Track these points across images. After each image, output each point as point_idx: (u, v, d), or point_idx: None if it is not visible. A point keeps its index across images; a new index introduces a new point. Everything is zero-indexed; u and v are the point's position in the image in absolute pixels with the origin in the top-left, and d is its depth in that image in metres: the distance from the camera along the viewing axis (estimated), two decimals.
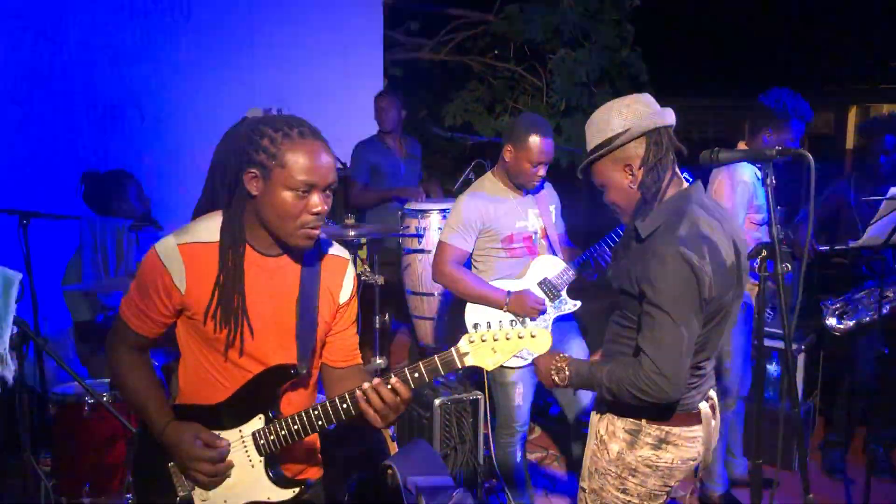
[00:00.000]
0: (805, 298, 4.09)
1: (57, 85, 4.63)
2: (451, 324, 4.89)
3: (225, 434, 1.92)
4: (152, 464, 1.97)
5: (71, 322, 3.75)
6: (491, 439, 3.55)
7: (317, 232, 1.85)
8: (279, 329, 1.92)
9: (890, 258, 3.83)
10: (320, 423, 1.87)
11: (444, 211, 4.72)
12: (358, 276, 4.01)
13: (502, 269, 3.38)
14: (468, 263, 3.45)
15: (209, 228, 1.88)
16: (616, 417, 2.20)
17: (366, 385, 1.79)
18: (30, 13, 4.50)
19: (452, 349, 1.78)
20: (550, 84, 7.01)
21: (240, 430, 1.92)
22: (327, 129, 6.22)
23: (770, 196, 2.13)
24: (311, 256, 1.96)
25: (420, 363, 1.80)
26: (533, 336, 1.78)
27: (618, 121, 2.11)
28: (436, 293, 4.61)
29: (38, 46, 4.57)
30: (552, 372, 2.24)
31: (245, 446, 1.92)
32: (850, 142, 9.36)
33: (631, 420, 2.16)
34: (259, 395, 1.92)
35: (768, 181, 2.14)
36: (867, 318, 3.81)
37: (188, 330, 1.92)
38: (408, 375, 1.79)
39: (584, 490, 2.29)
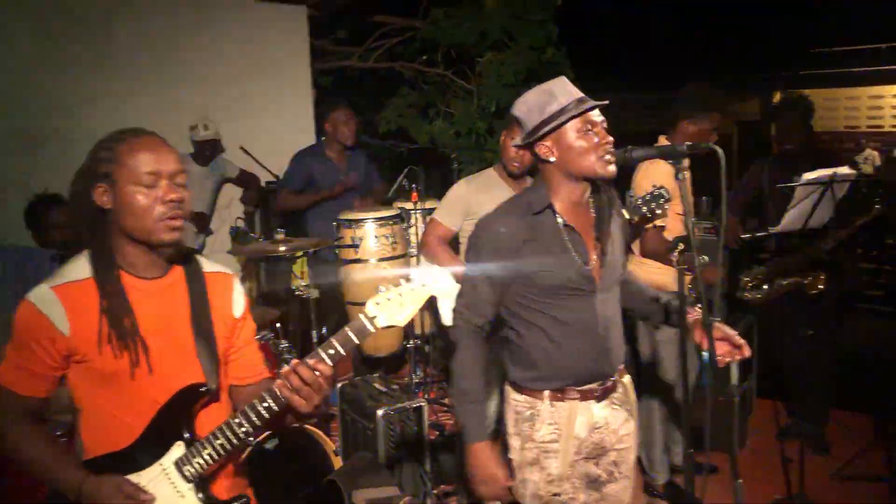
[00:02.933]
0: (734, 286, 4.22)
1: None
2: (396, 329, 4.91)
3: (145, 472, 1.87)
4: None
5: None
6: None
7: (178, 223, 1.84)
8: (179, 350, 1.89)
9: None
10: (243, 430, 1.84)
11: (379, 219, 4.72)
12: (293, 290, 4.03)
13: None
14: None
15: (79, 266, 1.86)
16: None
17: (284, 369, 1.79)
18: None
19: (360, 315, 1.80)
20: (480, 87, 7.07)
21: (160, 464, 1.87)
22: (257, 143, 6.22)
23: (684, 190, 2.19)
24: (194, 276, 1.95)
25: (332, 337, 1.80)
26: (436, 281, 1.82)
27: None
28: None
29: None
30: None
31: (170, 478, 1.88)
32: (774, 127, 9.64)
33: None
34: (172, 422, 1.87)
35: (680, 176, 2.20)
36: (771, 292, 3.99)
37: (82, 377, 1.85)
38: (322, 353, 1.79)
39: None
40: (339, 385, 4.08)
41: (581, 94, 2.20)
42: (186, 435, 1.88)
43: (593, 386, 2.30)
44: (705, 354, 4.28)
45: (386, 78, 7.95)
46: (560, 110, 2.16)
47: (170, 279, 1.92)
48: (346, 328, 1.80)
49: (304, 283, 4.03)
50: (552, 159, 2.19)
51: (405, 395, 3.78)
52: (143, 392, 1.85)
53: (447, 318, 1.78)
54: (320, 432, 3.43)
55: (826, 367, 4.25)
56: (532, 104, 2.21)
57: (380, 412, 3.56)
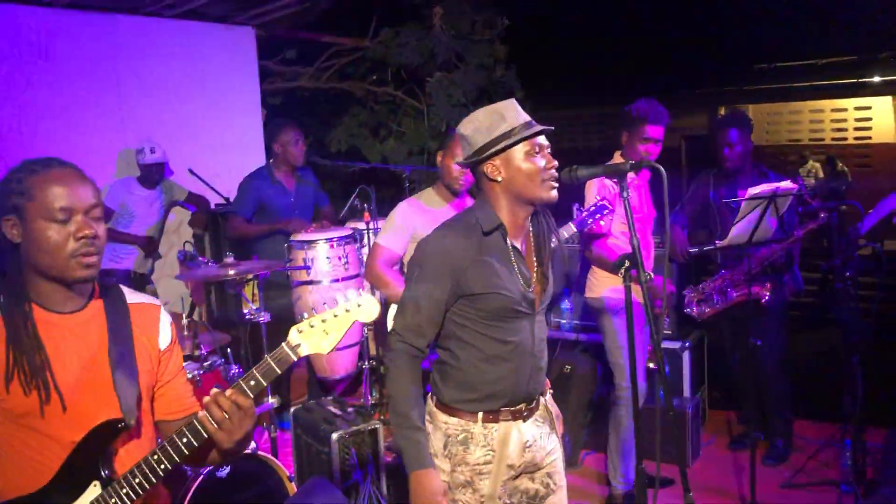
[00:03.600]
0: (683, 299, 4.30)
1: None
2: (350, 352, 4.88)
3: None
4: None
5: None
6: None
7: (93, 259, 1.78)
8: (94, 384, 1.81)
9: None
10: (162, 466, 1.78)
11: (330, 240, 4.70)
12: (244, 314, 3.98)
13: None
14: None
15: None
16: None
17: (205, 399, 1.74)
18: None
19: (283, 344, 1.78)
20: (430, 106, 7.11)
21: None
22: (206, 165, 6.17)
23: (627, 207, 2.23)
24: (114, 308, 1.89)
25: (253, 368, 1.77)
26: (360, 305, 1.82)
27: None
28: None
29: None
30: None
31: None
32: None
33: None
34: (88, 461, 1.79)
35: (624, 194, 2.24)
36: (719, 304, 4.07)
37: None
38: (243, 385, 1.76)
39: None
40: (292, 409, 4.04)
41: (529, 119, 2.23)
42: (104, 474, 1.80)
43: (522, 406, 2.31)
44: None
45: (336, 97, 7.95)
46: (509, 131, 2.18)
47: (88, 313, 1.85)
48: (268, 358, 1.77)
49: (255, 307, 3.97)
50: (500, 178, 2.20)
51: (360, 417, 3.75)
52: (57, 431, 1.77)
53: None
54: (274, 458, 3.38)
55: (777, 376, 4.34)
56: (480, 124, 2.22)
57: (334, 436, 3.52)
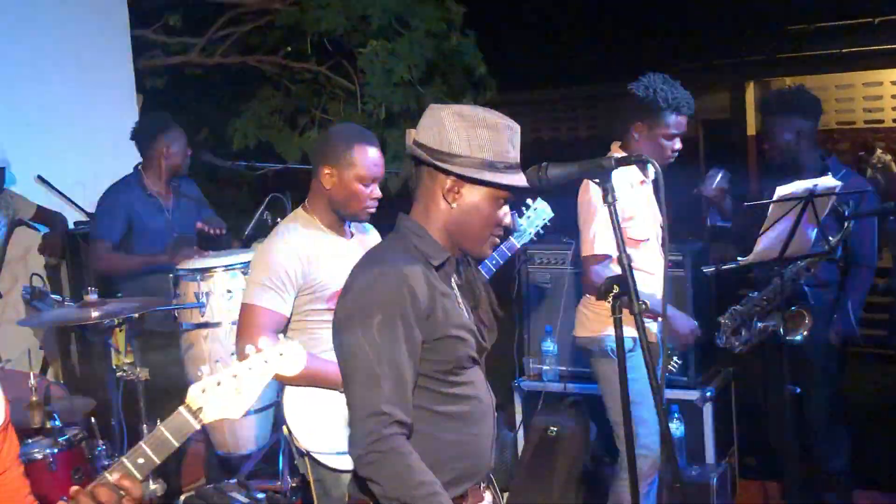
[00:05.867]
0: (703, 333, 4.37)
1: None
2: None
3: None
4: None
5: None
6: None
7: None
8: None
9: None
10: None
11: (232, 267, 4.68)
12: (115, 370, 3.95)
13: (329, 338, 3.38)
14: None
15: None
16: None
17: (73, 489, 1.75)
18: None
19: (181, 408, 1.81)
20: (364, 85, 7.14)
21: None
22: (61, 170, 6.15)
23: (614, 216, 2.29)
24: None
25: (141, 442, 1.79)
26: (281, 355, 1.85)
27: None
28: None
29: None
30: None
31: None
32: (751, 126, 10.04)
33: None
34: None
35: (609, 199, 2.30)
36: (748, 339, 4.12)
37: None
38: (127, 464, 1.77)
39: None
40: (182, 498, 4.01)
41: (518, 159, 2.30)
42: None
43: (484, 486, 2.39)
44: (672, 426, 4.47)
45: (239, 77, 7.95)
46: (500, 164, 2.24)
47: None
48: (161, 427, 1.80)
49: (128, 362, 3.95)
50: (454, 205, 2.27)
51: (283, 497, 3.75)
52: None
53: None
54: None
55: (827, 433, 4.40)
56: (478, 128, 2.24)
57: None
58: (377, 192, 3.35)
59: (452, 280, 2.32)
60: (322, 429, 3.24)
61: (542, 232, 3.81)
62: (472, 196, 2.25)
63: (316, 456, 3.23)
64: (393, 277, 2.18)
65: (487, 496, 2.40)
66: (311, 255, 3.30)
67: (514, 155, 2.28)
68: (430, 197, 2.29)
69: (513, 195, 2.30)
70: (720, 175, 4.42)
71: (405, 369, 2.16)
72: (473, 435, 2.31)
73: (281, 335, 1.89)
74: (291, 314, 3.31)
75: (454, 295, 2.30)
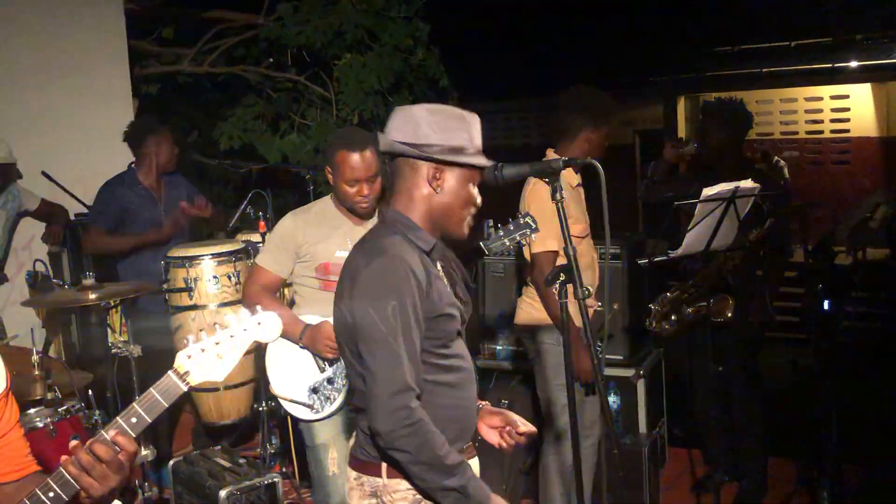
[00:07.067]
0: (637, 317, 4.40)
1: None
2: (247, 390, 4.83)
3: None
4: None
5: None
6: None
7: None
8: None
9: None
10: None
11: (218, 255, 4.65)
12: (110, 348, 3.91)
13: (316, 302, 3.42)
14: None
15: None
16: None
17: (72, 443, 1.74)
18: None
19: (170, 372, 1.80)
20: (339, 94, 7.13)
21: None
22: (63, 166, 6.08)
23: (561, 213, 2.30)
24: None
25: (134, 403, 1.79)
26: (259, 324, 1.85)
27: None
28: None
29: None
30: None
31: None
32: (682, 135, 10.12)
33: None
34: None
35: (558, 196, 2.30)
36: (674, 324, 4.17)
37: None
38: (122, 423, 1.77)
39: None
40: (171, 462, 3.98)
41: (481, 145, 2.33)
42: None
43: (471, 444, 2.43)
44: (610, 399, 4.50)
45: (226, 85, 7.89)
46: (473, 149, 2.27)
47: None
48: (152, 389, 1.79)
49: (122, 339, 3.91)
50: (438, 191, 2.28)
51: (255, 470, 3.72)
52: None
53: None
54: None
55: (746, 407, 4.46)
56: (443, 118, 2.27)
57: (223, 493, 3.50)
58: (366, 190, 3.36)
59: (438, 263, 2.35)
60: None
61: (522, 243, 3.68)
62: (451, 180, 2.27)
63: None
64: (399, 266, 2.20)
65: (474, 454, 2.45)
66: (310, 230, 3.44)
67: (479, 141, 2.31)
68: (413, 187, 2.30)
69: (482, 175, 2.32)
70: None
71: (417, 348, 2.21)
72: (464, 399, 2.37)
73: (258, 307, 1.90)
74: (294, 276, 3.51)
75: (441, 276, 2.33)
